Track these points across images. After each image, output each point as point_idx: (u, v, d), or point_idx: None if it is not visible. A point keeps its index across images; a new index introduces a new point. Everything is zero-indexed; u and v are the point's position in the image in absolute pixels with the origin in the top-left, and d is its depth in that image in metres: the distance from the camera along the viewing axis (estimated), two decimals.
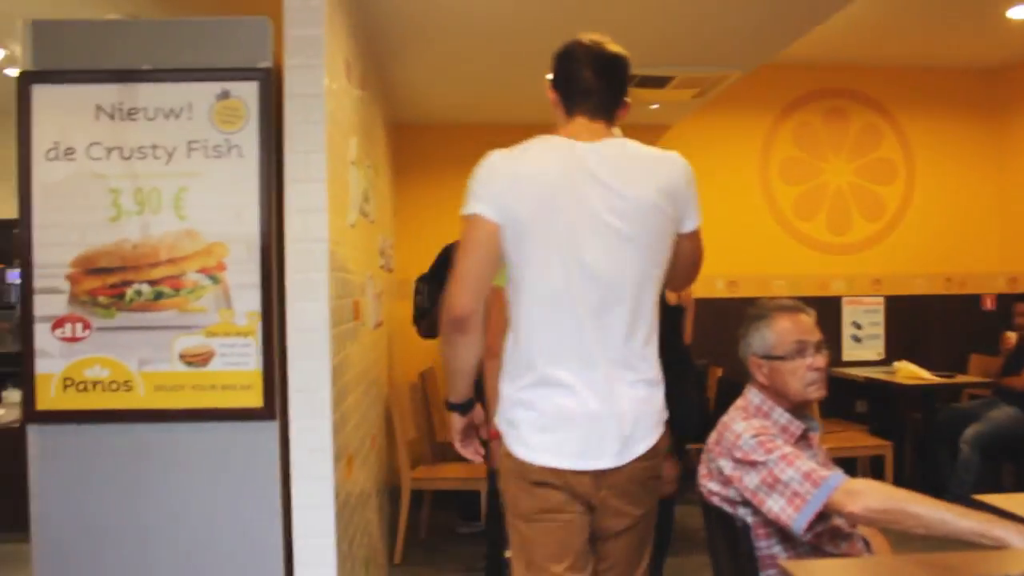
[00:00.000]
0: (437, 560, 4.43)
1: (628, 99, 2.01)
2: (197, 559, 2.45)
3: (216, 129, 2.44)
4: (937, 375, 5.42)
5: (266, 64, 2.44)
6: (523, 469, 1.88)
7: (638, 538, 1.99)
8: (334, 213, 2.57)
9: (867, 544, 2.19)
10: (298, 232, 2.46)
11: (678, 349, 3.20)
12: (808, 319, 2.25)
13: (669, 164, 1.94)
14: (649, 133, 5.94)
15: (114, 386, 2.44)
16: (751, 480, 2.02)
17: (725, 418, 2.18)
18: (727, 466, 2.08)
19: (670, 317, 2.91)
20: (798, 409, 2.21)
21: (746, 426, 2.09)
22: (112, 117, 2.43)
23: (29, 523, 2.44)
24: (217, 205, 2.44)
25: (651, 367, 1.95)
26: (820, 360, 2.23)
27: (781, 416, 2.15)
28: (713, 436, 2.18)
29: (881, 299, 6.02)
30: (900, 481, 5.36)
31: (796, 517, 1.94)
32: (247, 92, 2.44)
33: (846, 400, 5.88)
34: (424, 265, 4.83)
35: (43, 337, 2.44)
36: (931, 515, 1.79)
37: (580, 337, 1.86)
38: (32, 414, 2.44)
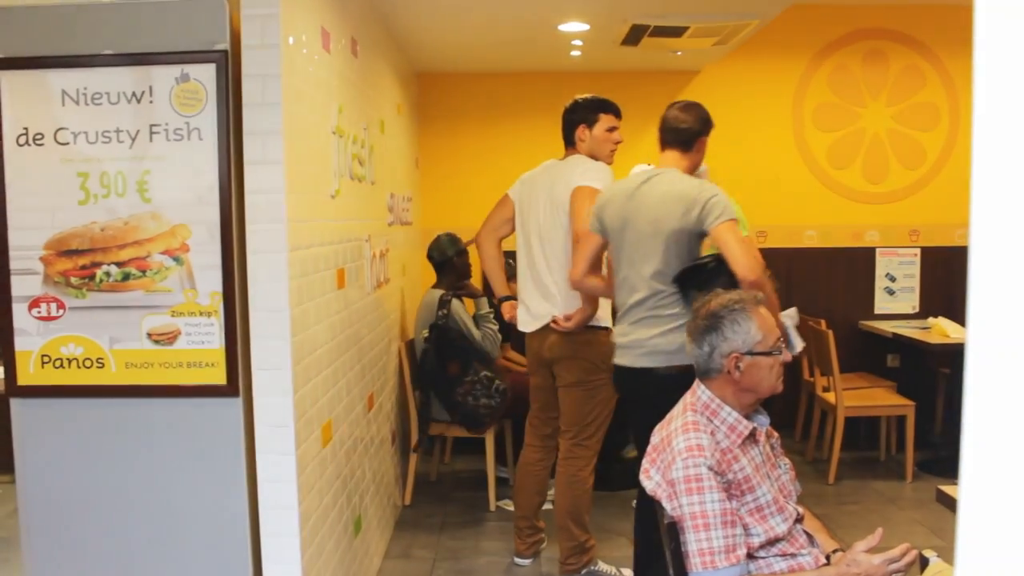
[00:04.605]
0: (446, 502, 4.55)
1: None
2: (169, 526, 2.56)
3: (177, 112, 2.45)
4: None
5: (223, 46, 2.42)
6: None
7: None
8: (300, 191, 2.57)
9: (811, 539, 2.16)
10: (256, 213, 2.46)
11: None
12: None
13: None
14: (677, 79, 5.77)
15: (88, 363, 2.53)
16: (674, 506, 2.00)
17: (673, 424, 2.12)
18: (660, 480, 2.06)
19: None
20: (752, 405, 2.17)
21: (684, 443, 2.04)
22: (77, 103, 2.45)
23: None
24: (179, 188, 2.46)
25: None
26: (788, 353, 2.19)
27: (729, 415, 2.10)
28: (659, 436, 2.14)
29: (917, 250, 5.81)
30: (926, 443, 5.25)
31: (702, 573, 1.93)
32: (205, 74, 2.43)
33: (877, 355, 5.74)
34: (452, 214, 4.83)
35: (21, 316, 2.53)
36: None
37: None
38: (13, 388, 2.55)
